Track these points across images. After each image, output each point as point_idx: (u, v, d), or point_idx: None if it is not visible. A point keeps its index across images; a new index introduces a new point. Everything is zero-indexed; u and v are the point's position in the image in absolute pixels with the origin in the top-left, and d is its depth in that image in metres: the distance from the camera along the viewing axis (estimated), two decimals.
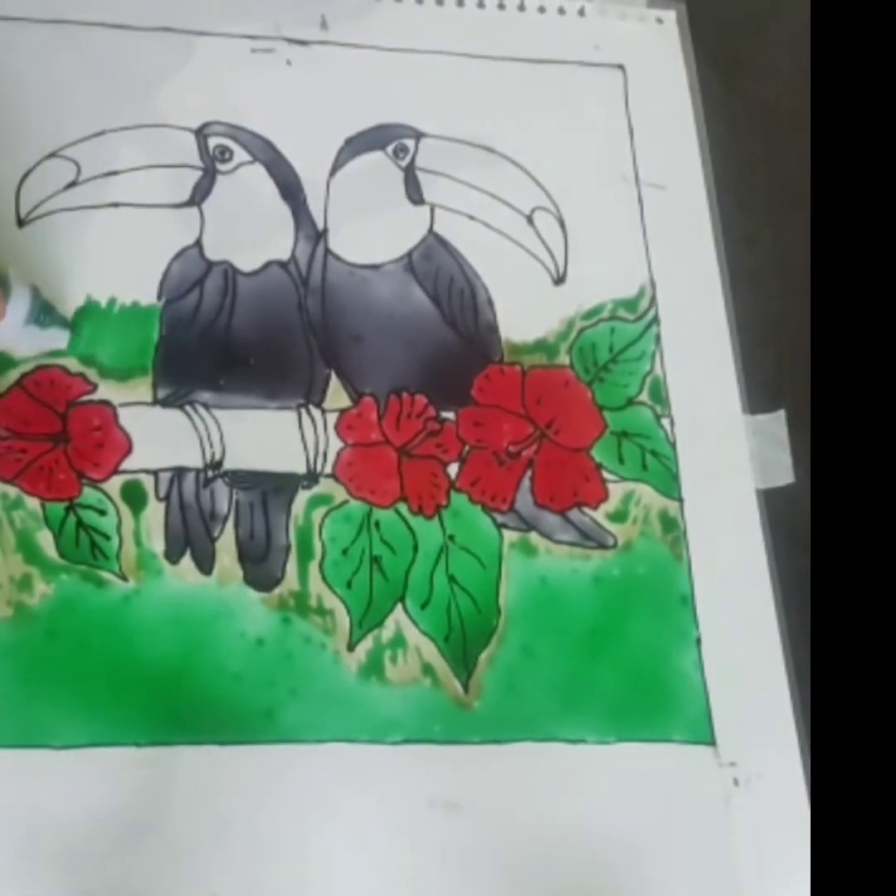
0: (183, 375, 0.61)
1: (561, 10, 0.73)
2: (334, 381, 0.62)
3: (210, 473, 0.60)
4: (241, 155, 0.65)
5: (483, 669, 0.59)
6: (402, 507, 0.61)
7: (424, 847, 0.56)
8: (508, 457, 0.63)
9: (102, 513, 0.58)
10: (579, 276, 0.67)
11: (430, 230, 0.66)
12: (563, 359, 0.65)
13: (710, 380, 0.66)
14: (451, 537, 0.61)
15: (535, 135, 0.69)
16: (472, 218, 0.67)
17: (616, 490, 0.63)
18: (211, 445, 0.60)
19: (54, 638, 0.56)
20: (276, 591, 0.58)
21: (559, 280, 0.67)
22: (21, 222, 0.62)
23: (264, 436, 0.61)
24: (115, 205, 0.63)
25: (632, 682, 0.60)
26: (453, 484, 0.61)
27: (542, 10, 0.73)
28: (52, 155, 0.63)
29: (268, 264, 0.64)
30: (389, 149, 0.67)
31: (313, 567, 0.59)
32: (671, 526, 0.63)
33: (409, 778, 0.56)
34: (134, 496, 0.59)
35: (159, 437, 0.60)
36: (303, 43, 0.69)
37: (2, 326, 0.57)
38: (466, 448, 0.62)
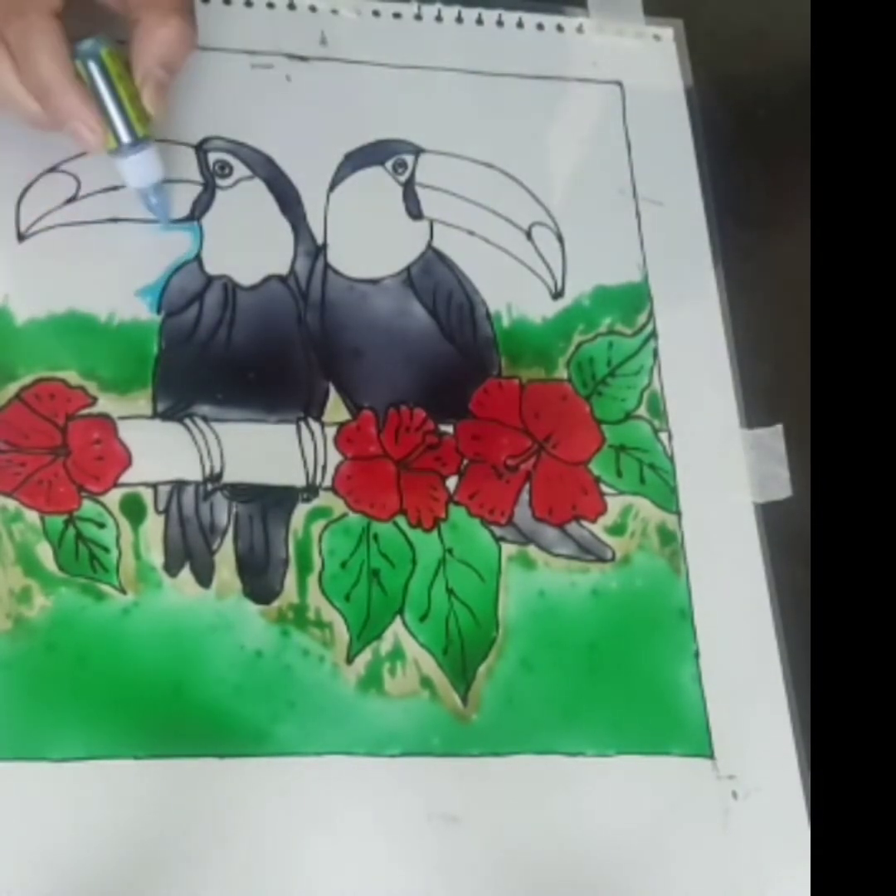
0: (182, 389, 0.61)
1: (559, 27, 0.73)
2: (333, 395, 0.63)
3: (209, 486, 0.60)
4: (241, 170, 0.66)
5: (482, 682, 0.59)
6: (401, 521, 0.61)
7: (423, 860, 0.56)
8: (507, 470, 0.63)
9: (102, 526, 0.58)
10: (577, 290, 0.67)
11: (429, 245, 0.67)
12: (562, 373, 0.65)
13: (708, 394, 0.66)
14: (450, 550, 0.61)
15: (534, 150, 0.70)
16: (470, 233, 0.67)
17: (614, 503, 0.63)
18: (210, 459, 0.60)
19: (53, 651, 0.56)
20: (275, 603, 0.58)
21: (557, 295, 0.67)
22: (21, 236, 0.62)
23: (263, 449, 0.61)
24: (115, 220, 0.64)
25: (630, 695, 0.60)
26: (452, 497, 0.61)
27: (540, 27, 0.73)
28: (52, 169, 0.63)
29: (267, 279, 0.64)
30: (388, 164, 0.68)
31: (312, 580, 0.59)
32: (669, 539, 0.63)
33: (408, 791, 0.56)
34: (133, 509, 0.59)
35: (159, 450, 0.60)
36: (302, 59, 0.69)
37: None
38: (465, 461, 0.62)
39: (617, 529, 0.63)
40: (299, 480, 0.61)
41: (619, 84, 0.73)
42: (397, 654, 0.58)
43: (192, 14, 0.59)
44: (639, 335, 0.67)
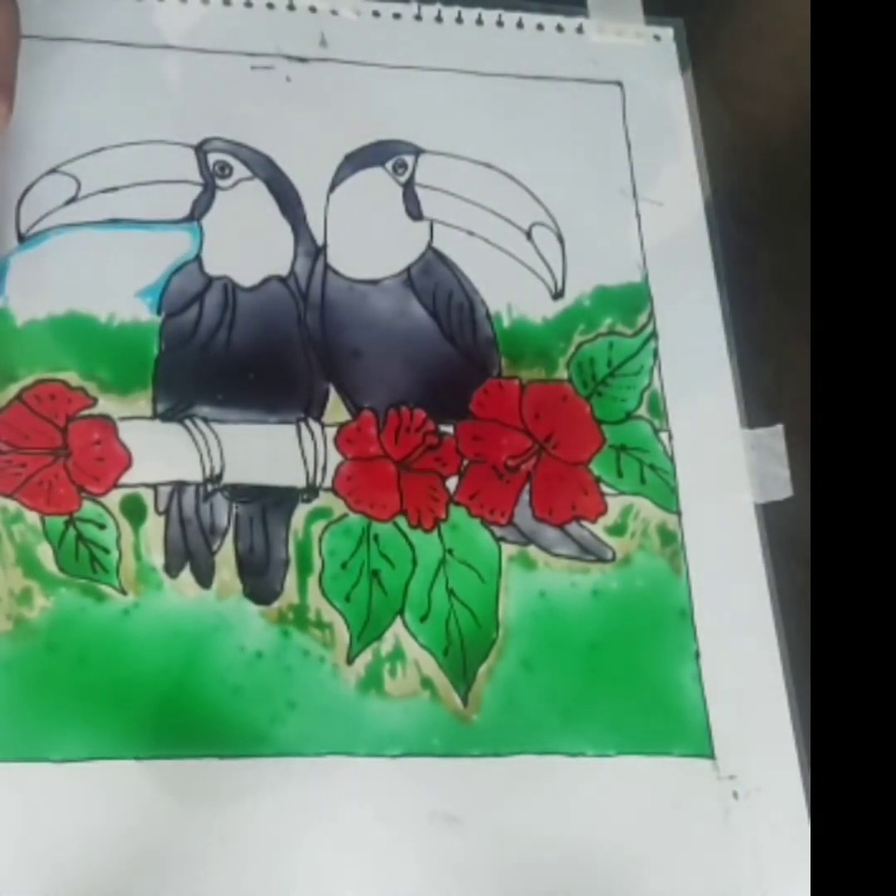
0: (183, 390, 0.61)
1: (559, 28, 0.73)
2: (333, 396, 0.63)
3: (210, 487, 0.60)
4: (240, 171, 0.66)
5: (482, 683, 0.59)
6: (401, 521, 0.61)
7: (424, 861, 0.56)
8: (507, 470, 0.63)
9: (102, 527, 0.58)
10: (578, 290, 0.67)
11: (429, 245, 0.67)
12: (562, 373, 0.65)
13: (709, 394, 0.66)
14: (450, 551, 0.61)
15: (534, 151, 0.70)
16: (471, 233, 0.67)
17: (615, 504, 0.63)
18: (211, 459, 0.60)
19: (54, 651, 0.56)
20: (276, 604, 0.58)
21: (558, 295, 0.67)
22: (21, 237, 0.62)
23: (264, 450, 0.61)
24: (115, 220, 0.64)
25: (631, 695, 0.60)
26: (452, 497, 0.62)
27: (540, 27, 0.73)
28: (53, 171, 0.64)
29: (267, 279, 0.64)
30: (388, 165, 0.68)
31: (312, 581, 0.59)
32: (669, 539, 0.63)
33: (409, 791, 0.56)
34: (134, 510, 0.59)
35: (159, 451, 0.60)
36: (302, 60, 0.69)
37: None
38: (465, 462, 0.62)
39: (617, 529, 0.63)
40: (299, 481, 0.61)
41: (619, 84, 0.73)
42: (398, 654, 0.58)
43: (7, 93, 0.57)
44: (639, 335, 0.67)
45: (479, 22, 0.72)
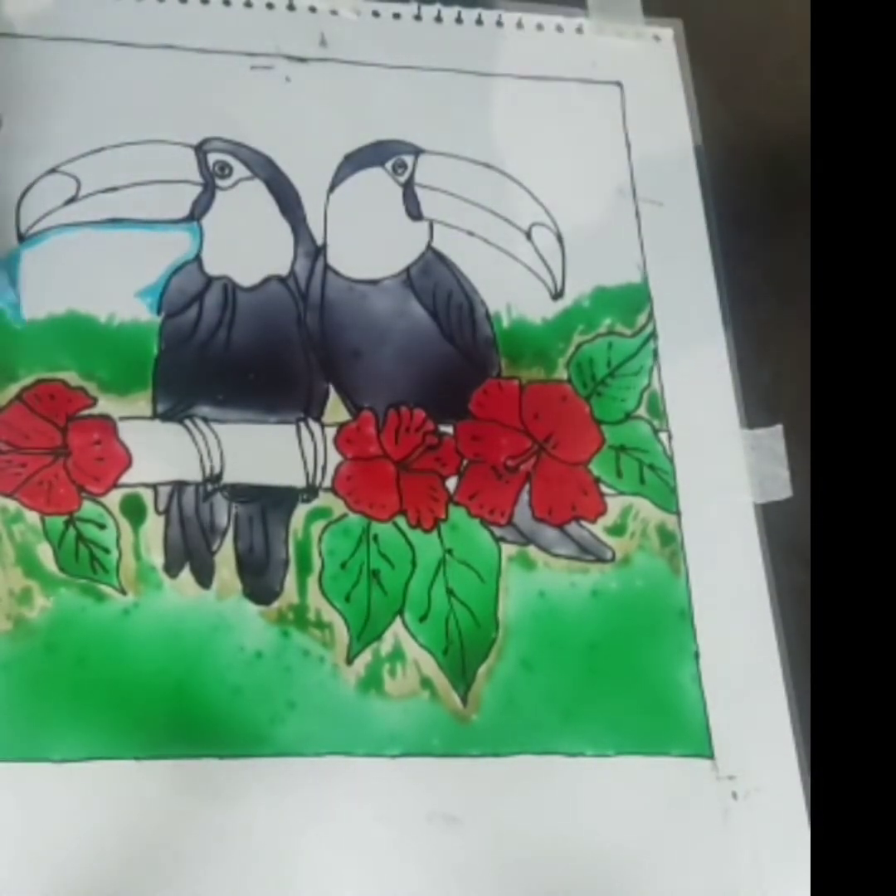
0: (182, 390, 0.61)
1: (559, 28, 0.73)
2: (333, 396, 0.63)
3: (209, 487, 0.60)
4: (240, 171, 0.66)
5: (482, 683, 0.59)
6: (401, 521, 0.61)
7: (423, 861, 0.56)
8: (507, 471, 0.63)
9: (102, 526, 0.58)
10: (577, 291, 0.67)
11: (429, 246, 0.67)
12: (562, 373, 0.65)
13: (708, 394, 0.66)
14: (450, 551, 0.61)
15: (534, 151, 0.70)
16: (470, 233, 0.67)
17: (614, 504, 0.63)
18: (210, 459, 0.60)
19: (54, 651, 0.56)
20: (275, 604, 0.58)
21: (557, 295, 0.67)
22: (21, 237, 0.62)
23: (263, 450, 0.61)
24: (115, 220, 0.64)
25: (630, 695, 0.60)
26: (452, 498, 0.62)
27: (540, 27, 0.73)
28: (53, 170, 0.63)
29: (267, 279, 0.64)
30: (388, 165, 0.68)
31: (312, 581, 0.59)
32: (669, 540, 0.63)
33: (408, 791, 0.56)
34: (133, 510, 0.59)
35: (159, 450, 0.60)
36: (302, 60, 0.69)
37: None
38: (465, 462, 0.62)
39: (617, 530, 0.63)
40: (299, 481, 0.61)
41: (619, 84, 0.73)
42: (397, 654, 0.58)
43: None
44: (639, 335, 0.67)
45: (479, 22, 0.72)
